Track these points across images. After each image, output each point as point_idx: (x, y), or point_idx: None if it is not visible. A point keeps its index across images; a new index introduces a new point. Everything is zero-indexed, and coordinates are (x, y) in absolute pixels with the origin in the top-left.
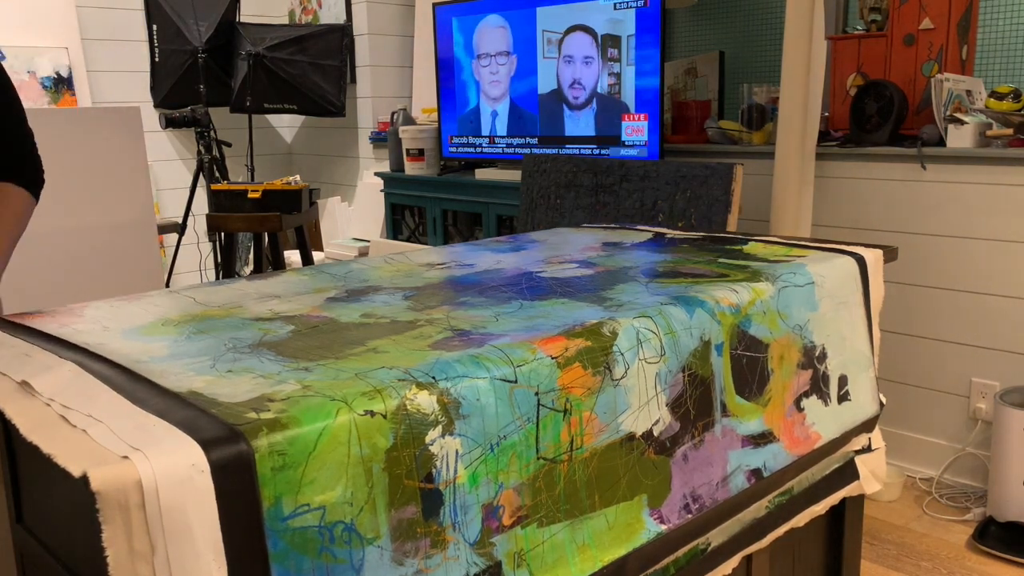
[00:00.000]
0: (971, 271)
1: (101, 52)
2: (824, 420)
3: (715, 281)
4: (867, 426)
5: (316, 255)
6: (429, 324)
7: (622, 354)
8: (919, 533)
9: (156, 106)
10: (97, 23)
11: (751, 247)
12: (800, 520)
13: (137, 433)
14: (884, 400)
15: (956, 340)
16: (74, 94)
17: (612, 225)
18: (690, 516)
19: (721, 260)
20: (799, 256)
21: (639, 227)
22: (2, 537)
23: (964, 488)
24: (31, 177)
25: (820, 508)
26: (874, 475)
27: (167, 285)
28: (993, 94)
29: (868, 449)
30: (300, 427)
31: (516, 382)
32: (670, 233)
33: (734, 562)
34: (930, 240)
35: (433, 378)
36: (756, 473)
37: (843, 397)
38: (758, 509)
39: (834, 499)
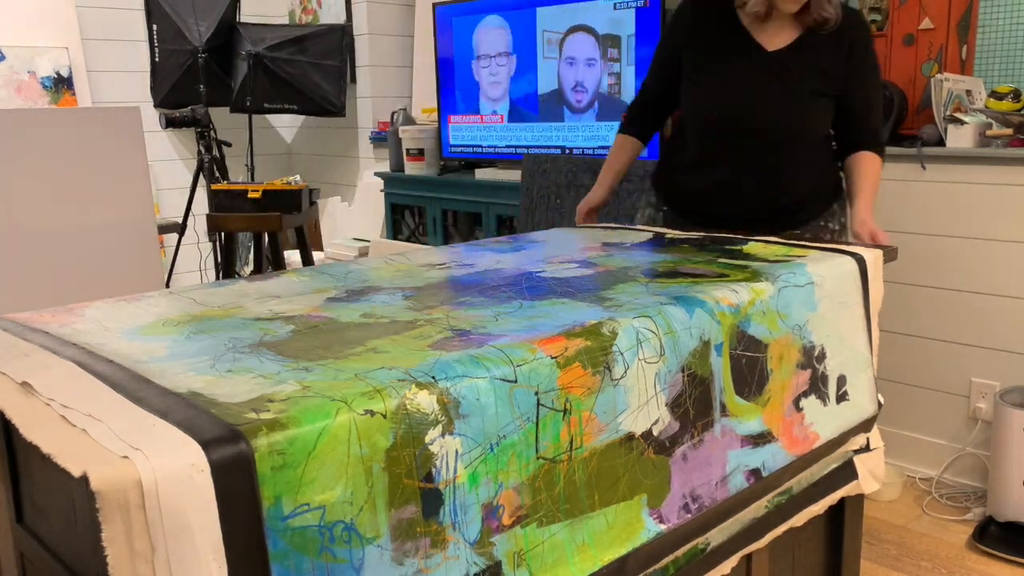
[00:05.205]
0: (971, 271)
1: (101, 52)
2: (823, 420)
3: (715, 281)
4: (865, 426)
5: (316, 255)
6: (429, 324)
7: (622, 354)
8: (919, 533)
9: (156, 106)
10: (97, 23)
11: (751, 247)
12: (799, 520)
13: (137, 433)
14: (882, 400)
15: (956, 340)
16: (74, 94)
17: (612, 225)
18: (689, 516)
19: (721, 260)
20: (799, 256)
21: (639, 227)
22: (2, 537)
23: (964, 488)
24: None
25: (818, 508)
26: (872, 475)
27: (167, 285)
28: (993, 94)
29: (866, 449)
30: (300, 427)
31: (516, 382)
32: (670, 233)
33: (733, 562)
34: (930, 240)
35: (433, 378)
36: (755, 473)
37: (842, 397)
38: (757, 509)
39: (832, 499)
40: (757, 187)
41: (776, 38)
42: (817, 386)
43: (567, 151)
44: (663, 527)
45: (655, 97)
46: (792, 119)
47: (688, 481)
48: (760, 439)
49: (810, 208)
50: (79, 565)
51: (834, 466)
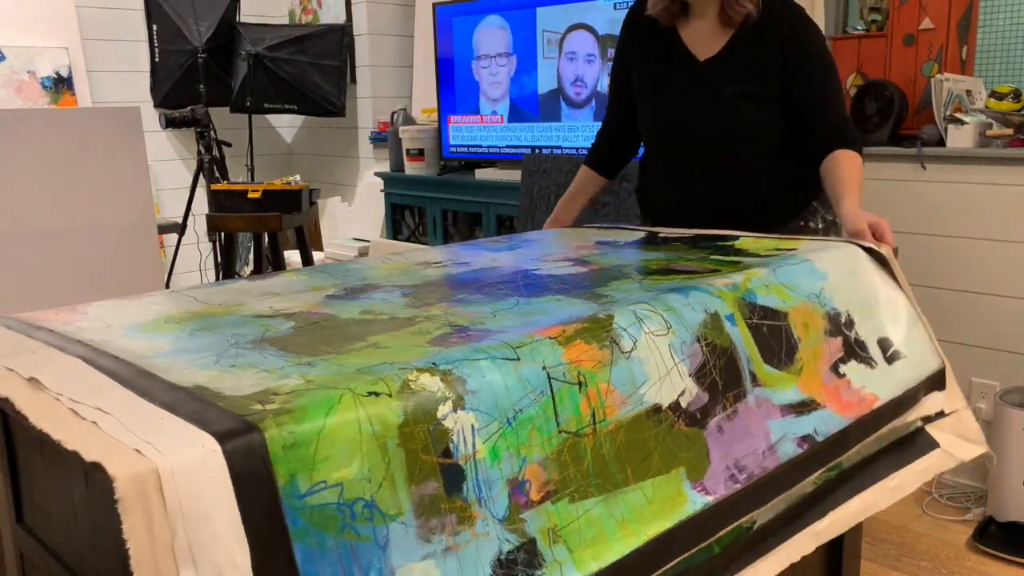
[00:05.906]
0: (971, 271)
1: (101, 52)
2: (875, 382)
3: (707, 276)
4: (934, 383)
5: (316, 255)
6: (428, 320)
7: (624, 329)
8: (919, 533)
9: (156, 106)
10: (97, 23)
11: (742, 243)
12: (879, 500)
13: (147, 425)
14: (945, 360)
15: (956, 340)
16: (74, 94)
17: (605, 225)
18: (738, 486)
19: (713, 257)
20: (789, 248)
21: (633, 227)
22: (2, 537)
23: (964, 488)
24: None
25: (896, 484)
26: (964, 438)
27: (167, 285)
28: (993, 94)
29: (941, 415)
30: (306, 412)
31: (519, 359)
32: (662, 232)
33: (804, 546)
34: (930, 240)
35: (434, 364)
36: (807, 439)
37: (892, 357)
38: (817, 479)
39: (916, 471)
40: (706, 195)
41: (709, 46)
42: (855, 352)
43: (560, 150)
44: (710, 498)
45: (613, 133)
46: (724, 127)
47: (729, 452)
48: (803, 407)
49: (776, 209)
50: (79, 565)
51: (900, 435)
